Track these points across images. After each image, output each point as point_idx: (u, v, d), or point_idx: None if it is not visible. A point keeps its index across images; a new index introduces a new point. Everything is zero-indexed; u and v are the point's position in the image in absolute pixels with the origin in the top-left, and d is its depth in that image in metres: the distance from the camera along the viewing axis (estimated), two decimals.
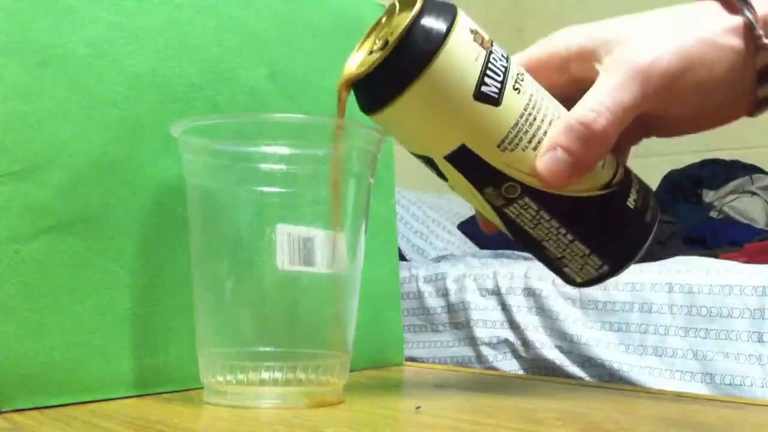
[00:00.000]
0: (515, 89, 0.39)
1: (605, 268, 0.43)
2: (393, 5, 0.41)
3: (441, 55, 0.37)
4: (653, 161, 2.50)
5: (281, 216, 0.41)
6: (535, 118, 0.39)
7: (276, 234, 0.41)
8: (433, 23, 0.38)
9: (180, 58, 0.48)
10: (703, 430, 0.39)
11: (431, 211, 2.02)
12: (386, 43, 0.39)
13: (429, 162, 0.41)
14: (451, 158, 0.40)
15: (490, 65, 0.38)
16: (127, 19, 0.46)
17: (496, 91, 0.38)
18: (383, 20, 0.41)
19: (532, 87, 0.40)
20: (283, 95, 0.54)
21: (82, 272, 0.43)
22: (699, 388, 1.26)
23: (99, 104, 0.44)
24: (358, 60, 0.40)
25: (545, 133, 0.39)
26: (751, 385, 1.23)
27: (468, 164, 0.40)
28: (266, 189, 0.41)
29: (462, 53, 0.38)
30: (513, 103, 0.39)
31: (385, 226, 0.61)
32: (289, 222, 0.41)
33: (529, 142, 0.39)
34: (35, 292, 0.41)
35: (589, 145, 0.39)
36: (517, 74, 0.40)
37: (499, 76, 0.39)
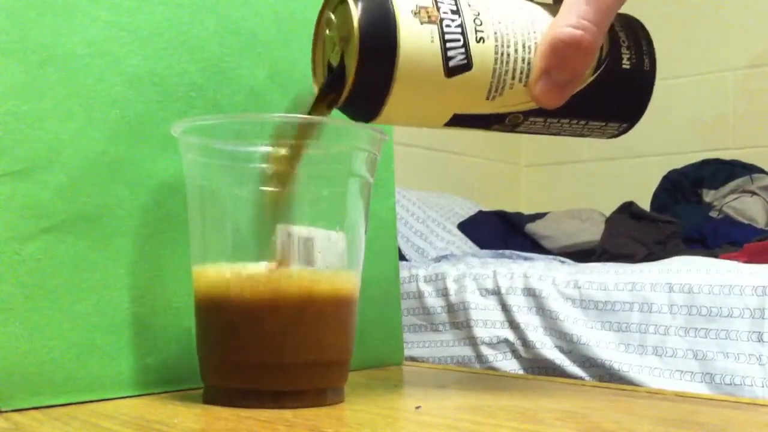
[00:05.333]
0: (479, 41, 0.39)
1: (624, 125, 0.44)
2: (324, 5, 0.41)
3: (400, 62, 0.37)
4: (653, 161, 2.50)
5: (281, 216, 0.41)
6: (508, 54, 0.39)
7: (276, 234, 0.41)
8: (378, 33, 0.37)
9: (180, 57, 0.48)
10: (703, 430, 0.39)
11: (431, 211, 2.02)
12: (341, 56, 0.39)
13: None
14: (449, 124, 0.41)
15: (446, 36, 0.38)
16: (127, 18, 0.46)
17: (463, 57, 0.38)
18: (328, 21, 0.41)
19: (491, 22, 0.39)
20: (283, 95, 0.54)
21: (82, 272, 0.43)
22: (699, 388, 1.26)
23: (99, 104, 0.44)
24: (324, 81, 0.41)
25: (524, 59, 0.39)
26: (751, 385, 1.23)
27: (466, 122, 0.41)
28: (266, 189, 0.41)
29: (417, 44, 0.38)
30: (483, 55, 0.39)
31: (385, 226, 0.61)
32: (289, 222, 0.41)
33: (513, 78, 0.39)
34: (35, 292, 0.41)
35: (580, 61, 0.39)
36: (474, 20, 0.39)
37: (459, 41, 0.38)
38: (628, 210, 1.97)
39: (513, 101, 0.40)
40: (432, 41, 0.38)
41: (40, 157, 0.42)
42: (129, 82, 0.46)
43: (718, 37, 2.51)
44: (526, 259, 1.75)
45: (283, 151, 0.40)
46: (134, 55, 0.46)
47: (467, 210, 2.22)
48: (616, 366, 1.34)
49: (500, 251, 1.86)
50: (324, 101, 0.40)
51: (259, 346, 0.40)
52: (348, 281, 0.43)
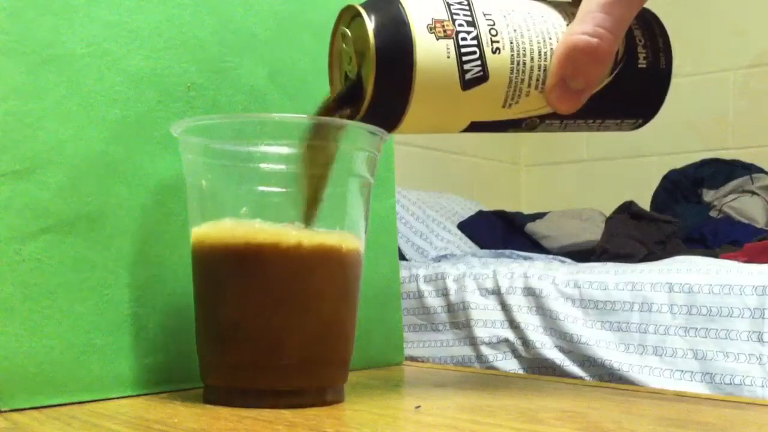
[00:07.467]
0: (494, 52, 0.38)
1: (640, 121, 0.44)
2: (341, 14, 0.41)
3: (417, 80, 0.38)
4: (653, 161, 2.50)
5: (281, 216, 0.41)
6: (524, 63, 0.39)
7: None
8: (394, 54, 0.37)
9: (180, 57, 0.48)
10: (703, 429, 0.39)
11: (431, 211, 2.02)
12: (358, 72, 0.39)
13: None
14: (466, 131, 0.41)
15: (462, 50, 0.38)
16: (126, 18, 0.46)
17: (480, 70, 0.38)
18: (344, 35, 0.41)
19: (507, 31, 0.39)
20: (283, 95, 0.54)
21: (82, 272, 0.43)
22: (699, 388, 1.26)
23: (99, 104, 0.44)
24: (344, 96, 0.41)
25: (540, 66, 0.39)
26: (751, 385, 1.23)
27: (483, 128, 0.41)
28: (266, 189, 0.41)
29: (433, 61, 0.38)
30: (499, 66, 0.39)
31: (385, 226, 0.61)
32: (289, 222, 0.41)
33: (529, 85, 0.39)
34: (35, 292, 0.41)
35: (596, 68, 0.39)
36: (489, 31, 0.39)
37: (475, 53, 0.38)
38: (628, 210, 1.97)
39: (529, 107, 0.40)
40: (448, 56, 0.38)
41: (40, 157, 0.42)
42: (129, 82, 0.46)
43: (718, 37, 2.51)
44: (526, 258, 1.75)
45: (311, 153, 0.40)
46: (134, 55, 0.46)
47: (467, 210, 2.22)
48: (616, 366, 1.34)
49: (500, 251, 1.86)
50: (339, 115, 0.41)
51: (259, 345, 0.40)
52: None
